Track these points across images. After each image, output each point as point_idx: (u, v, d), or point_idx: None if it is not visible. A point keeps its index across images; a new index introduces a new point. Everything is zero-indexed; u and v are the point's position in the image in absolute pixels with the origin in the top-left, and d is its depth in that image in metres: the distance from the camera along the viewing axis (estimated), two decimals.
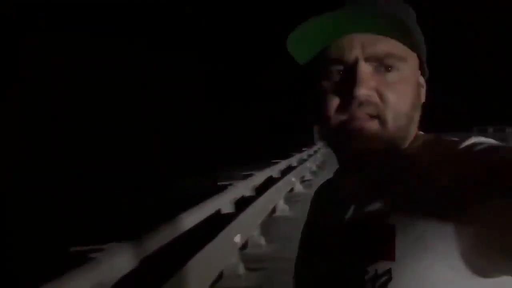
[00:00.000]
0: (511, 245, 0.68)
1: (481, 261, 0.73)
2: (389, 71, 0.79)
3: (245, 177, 7.33)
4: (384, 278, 0.76)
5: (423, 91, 0.86)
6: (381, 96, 0.79)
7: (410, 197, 0.79)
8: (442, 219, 0.75)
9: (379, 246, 0.78)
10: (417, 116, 0.85)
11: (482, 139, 0.81)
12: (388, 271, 0.75)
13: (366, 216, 0.84)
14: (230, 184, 6.38)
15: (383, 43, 0.79)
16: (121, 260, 2.64)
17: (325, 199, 0.98)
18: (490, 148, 0.77)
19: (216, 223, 4.57)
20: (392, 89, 0.79)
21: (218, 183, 6.37)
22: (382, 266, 0.77)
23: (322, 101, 0.81)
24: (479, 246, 0.72)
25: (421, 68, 0.85)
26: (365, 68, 0.79)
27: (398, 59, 0.79)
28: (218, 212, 5.21)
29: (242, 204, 5.78)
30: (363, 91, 0.77)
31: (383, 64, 0.79)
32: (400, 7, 0.83)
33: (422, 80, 0.87)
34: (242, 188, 6.74)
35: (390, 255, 0.77)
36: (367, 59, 0.79)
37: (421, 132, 0.90)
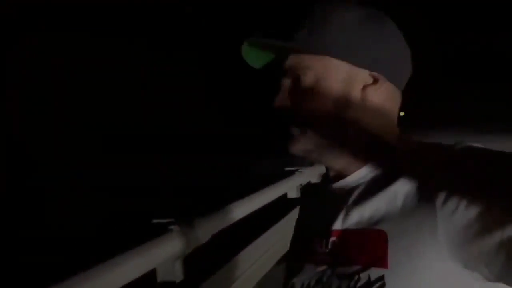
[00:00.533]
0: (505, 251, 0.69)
1: (477, 268, 0.73)
2: (300, 80, 0.87)
3: (312, 163, 7.80)
4: (377, 285, 0.77)
5: (357, 91, 0.88)
6: (295, 104, 0.88)
7: (402, 203, 0.80)
8: (434, 227, 0.75)
9: (372, 253, 0.79)
10: (352, 115, 0.87)
11: (469, 144, 0.81)
12: (381, 278, 0.76)
13: (357, 223, 0.84)
14: (297, 170, 6.79)
15: (293, 57, 0.87)
16: (196, 233, 2.98)
17: (315, 204, 0.98)
18: (482, 155, 0.78)
19: (282, 206, 4.93)
20: (304, 95, 0.86)
21: (286, 169, 6.73)
22: (375, 273, 0.78)
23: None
24: (473, 254, 0.72)
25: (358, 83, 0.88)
26: (284, 81, 0.89)
27: (304, 68, 0.86)
28: (284, 196, 5.67)
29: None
30: (277, 101, 0.87)
31: (297, 75, 0.87)
32: (319, 20, 0.87)
33: (360, 78, 0.88)
34: (309, 174, 7.13)
35: (383, 262, 0.78)
36: (286, 73, 0.88)
37: (412, 137, 0.90)
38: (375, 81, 0.87)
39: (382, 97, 0.88)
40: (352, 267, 0.81)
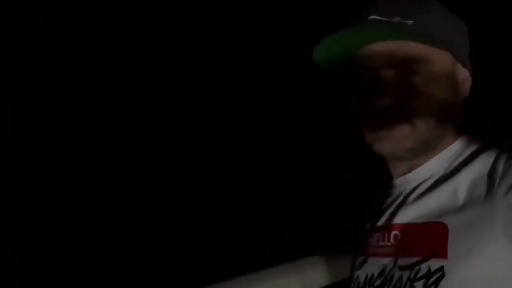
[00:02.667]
0: None
1: None
2: (413, 74, 0.82)
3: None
4: (437, 275, 0.78)
5: (463, 86, 0.87)
6: (406, 100, 0.82)
7: (464, 196, 0.81)
8: (494, 218, 0.76)
9: (432, 245, 0.80)
10: (454, 113, 0.87)
11: None
12: (441, 268, 0.77)
13: (419, 217, 0.86)
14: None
15: (403, 48, 0.81)
16: None
17: (380, 199, 1.00)
18: None
19: None
20: (417, 92, 0.81)
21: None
22: (434, 264, 0.79)
23: (353, 110, 0.87)
24: None
25: (459, 62, 0.87)
26: (387, 74, 0.82)
27: (420, 61, 0.81)
28: None
29: None
30: (386, 98, 0.81)
31: (407, 69, 0.82)
32: (419, 9, 0.84)
33: (462, 74, 0.87)
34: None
35: (442, 253, 0.79)
36: (389, 66, 0.82)
37: (472, 134, 0.90)
38: (469, 74, 0.88)
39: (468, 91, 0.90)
40: (413, 259, 0.83)
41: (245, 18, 2.92)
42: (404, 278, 0.82)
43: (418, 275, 0.80)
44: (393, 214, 0.91)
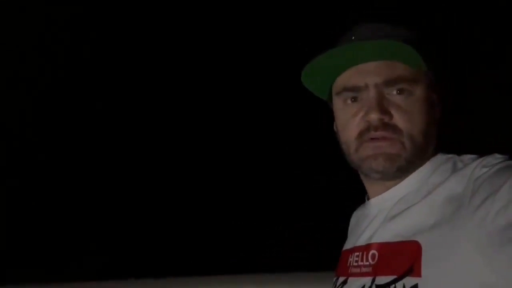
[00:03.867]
0: None
1: (508, 274, 0.73)
2: (400, 94, 0.83)
3: None
4: None
5: (436, 109, 0.89)
6: (395, 118, 0.83)
7: (437, 213, 0.82)
8: (466, 234, 0.76)
9: (407, 263, 0.82)
10: (433, 134, 0.88)
11: (498, 156, 0.83)
12: (415, 286, 0.79)
13: (395, 236, 0.87)
14: None
15: (391, 68, 0.83)
16: None
17: (358, 219, 1.01)
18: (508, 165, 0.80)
19: None
20: (404, 111, 0.83)
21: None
22: (409, 282, 0.80)
23: (342, 128, 0.88)
24: (506, 259, 0.72)
25: (435, 85, 0.88)
26: (377, 94, 0.83)
27: (408, 82, 0.83)
28: None
29: None
30: (376, 115, 0.82)
31: (394, 88, 0.83)
32: (407, 32, 0.86)
33: (435, 97, 0.89)
34: None
35: (416, 272, 0.80)
36: (378, 85, 0.83)
37: (442, 154, 0.91)
38: (444, 94, 0.91)
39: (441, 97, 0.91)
40: (389, 277, 0.84)
41: (244, 20, 2.94)
42: None
43: None
44: (371, 234, 0.92)
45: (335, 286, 1.00)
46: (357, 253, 0.94)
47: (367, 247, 0.92)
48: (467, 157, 0.87)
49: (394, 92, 0.83)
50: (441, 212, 0.82)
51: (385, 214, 0.91)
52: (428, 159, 0.90)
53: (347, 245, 1.02)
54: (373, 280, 0.87)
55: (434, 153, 0.91)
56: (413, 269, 0.81)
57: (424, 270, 0.79)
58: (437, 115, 0.90)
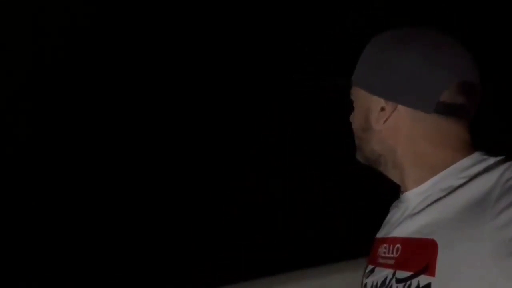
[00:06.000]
0: None
1: None
2: (355, 110, 1.03)
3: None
4: None
5: (373, 116, 0.97)
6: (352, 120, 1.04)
7: (456, 214, 0.83)
8: (482, 238, 0.77)
9: (423, 261, 0.84)
10: (376, 137, 0.98)
11: None
12: (428, 285, 0.81)
13: (416, 232, 0.89)
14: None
15: (353, 91, 1.04)
16: None
17: (393, 210, 1.05)
18: None
19: None
20: (352, 116, 1.04)
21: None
22: (423, 280, 0.82)
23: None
24: None
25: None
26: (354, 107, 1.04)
27: (352, 96, 1.03)
28: None
29: None
30: (350, 118, 1.04)
31: (355, 105, 1.03)
32: (365, 64, 1.01)
33: (375, 106, 0.97)
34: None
35: (431, 271, 0.81)
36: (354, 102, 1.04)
37: (479, 153, 0.91)
38: (390, 106, 0.95)
39: (403, 121, 0.95)
40: (407, 273, 0.87)
41: (243, 20, 2.93)
42: None
43: None
44: (398, 228, 0.96)
45: (364, 273, 1.04)
46: (386, 245, 0.98)
47: (393, 240, 0.95)
48: (497, 159, 0.87)
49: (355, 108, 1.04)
50: (463, 213, 0.82)
51: (411, 210, 0.94)
52: (459, 157, 0.91)
53: (380, 234, 1.05)
54: (394, 273, 0.90)
55: (468, 152, 0.91)
56: (428, 267, 0.82)
57: (438, 270, 0.80)
58: (375, 122, 0.98)
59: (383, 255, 0.97)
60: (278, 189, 3.11)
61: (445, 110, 0.91)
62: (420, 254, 0.85)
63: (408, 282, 0.85)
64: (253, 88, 3.21)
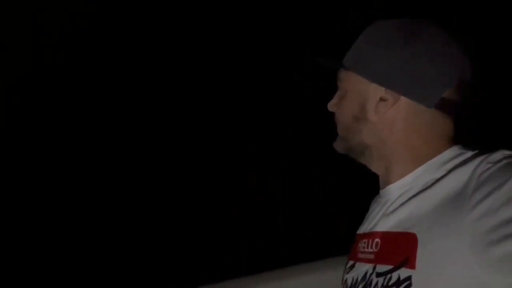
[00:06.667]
0: None
1: (501, 272, 0.73)
2: (341, 97, 0.99)
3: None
4: (405, 284, 0.81)
5: (371, 105, 0.93)
6: (336, 110, 1.00)
7: (435, 208, 0.83)
8: (461, 230, 0.77)
9: (403, 254, 0.84)
10: (369, 127, 0.94)
11: (505, 151, 0.83)
12: (409, 278, 0.81)
13: (395, 226, 0.90)
14: None
15: (340, 70, 1.00)
16: None
17: (373, 205, 1.04)
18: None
19: None
20: (338, 104, 0.99)
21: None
22: (404, 273, 0.82)
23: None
24: (497, 258, 0.73)
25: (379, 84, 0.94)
26: (339, 88, 1.01)
27: (339, 80, 0.99)
28: None
29: None
30: (328, 105, 1.02)
31: (339, 84, 1.00)
32: (357, 47, 0.98)
33: (372, 94, 0.93)
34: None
35: (411, 263, 0.82)
36: (339, 82, 1.01)
37: (458, 146, 0.92)
38: (392, 97, 0.91)
39: (402, 113, 0.91)
40: (387, 266, 0.87)
41: (242, 20, 2.93)
42: (379, 285, 0.87)
43: (390, 283, 0.84)
44: (377, 222, 0.95)
45: (344, 269, 1.04)
46: (365, 240, 0.97)
47: (373, 235, 0.95)
48: (474, 152, 0.87)
49: (342, 95, 1.00)
50: (442, 206, 0.82)
51: (390, 204, 0.93)
52: (437, 152, 0.91)
53: (361, 230, 1.04)
54: (374, 268, 0.90)
55: (448, 146, 0.91)
56: (408, 260, 0.82)
57: (418, 263, 0.81)
58: (371, 112, 0.94)
59: (362, 250, 0.97)
60: (278, 189, 3.11)
61: (445, 106, 0.91)
62: (400, 248, 0.85)
63: (389, 276, 0.85)
64: (253, 88, 3.21)
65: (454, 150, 0.90)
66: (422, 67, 0.90)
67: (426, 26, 0.93)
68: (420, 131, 0.92)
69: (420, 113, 0.92)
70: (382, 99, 0.92)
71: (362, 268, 0.94)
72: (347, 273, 1.01)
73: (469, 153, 0.88)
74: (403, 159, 0.93)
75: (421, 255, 0.81)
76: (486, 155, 0.84)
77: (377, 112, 0.93)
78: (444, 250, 0.79)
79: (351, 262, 1.01)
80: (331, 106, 1.01)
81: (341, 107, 0.98)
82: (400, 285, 0.82)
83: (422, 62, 0.90)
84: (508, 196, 0.74)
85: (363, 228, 1.02)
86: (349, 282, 0.98)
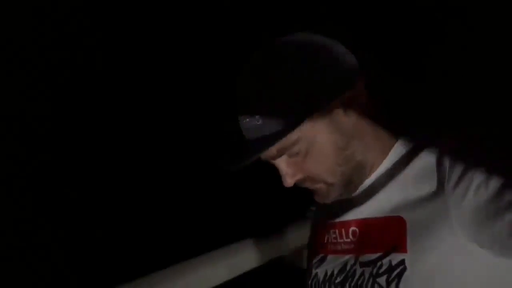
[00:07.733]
0: None
1: (492, 248, 0.74)
2: (296, 155, 0.86)
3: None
4: (399, 269, 0.80)
5: (342, 140, 0.87)
6: (307, 171, 0.87)
7: (417, 190, 0.83)
8: (447, 211, 0.79)
9: (392, 239, 0.83)
10: (355, 156, 0.88)
11: (476, 132, 0.86)
12: (402, 262, 0.80)
13: (377, 211, 0.88)
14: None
15: (279, 146, 0.85)
16: None
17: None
18: (491, 142, 0.82)
19: None
20: (309, 163, 0.87)
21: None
22: (395, 258, 0.82)
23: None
24: (487, 235, 0.74)
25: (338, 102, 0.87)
26: (280, 163, 0.86)
27: (292, 145, 0.85)
28: None
29: None
30: (288, 180, 0.88)
31: (289, 153, 0.87)
32: (273, 114, 0.86)
33: (339, 113, 0.86)
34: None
35: (402, 247, 0.81)
36: (278, 155, 0.86)
37: (403, 136, 0.93)
38: (336, 107, 0.87)
39: (353, 117, 0.89)
40: (374, 255, 0.85)
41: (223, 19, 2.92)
42: (366, 275, 0.84)
43: (380, 271, 0.82)
44: (348, 211, 0.92)
45: (309, 263, 0.99)
46: (334, 230, 0.94)
47: (344, 224, 0.92)
48: (422, 137, 0.88)
49: (293, 154, 0.87)
50: (418, 188, 0.83)
51: (359, 193, 0.91)
52: (391, 146, 0.91)
53: (317, 221, 1.03)
54: (357, 258, 0.88)
55: (397, 137, 0.92)
56: (398, 244, 0.82)
57: (409, 246, 0.80)
58: (347, 145, 0.88)
59: (334, 241, 0.94)
60: (278, 189, 3.10)
61: (353, 103, 0.89)
62: (387, 233, 0.84)
63: (379, 263, 0.83)
64: None
65: (403, 140, 0.91)
66: (334, 67, 0.87)
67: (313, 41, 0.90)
68: (367, 131, 0.92)
69: (359, 100, 0.90)
70: (336, 115, 0.88)
71: (338, 260, 0.92)
72: (316, 267, 0.96)
73: (419, 138, 0.89)
74: (372, 158, 0.92)
75: (411, 237, 0.81)
76: (453, 134, 0.85)
77: (348, 126, 0.89)
78: (434, 233, 0.79)
79: (320, 255, 0.97)
80: (292, 176, 0.89)
81: (319, 157, 0.87)
82: (393, 270, 0.81)
83: (331, 63, 0.87)
84: (487, 175, 0.75)
85: (323, 219, 0.99)
86: (320, 276, 0.94)
